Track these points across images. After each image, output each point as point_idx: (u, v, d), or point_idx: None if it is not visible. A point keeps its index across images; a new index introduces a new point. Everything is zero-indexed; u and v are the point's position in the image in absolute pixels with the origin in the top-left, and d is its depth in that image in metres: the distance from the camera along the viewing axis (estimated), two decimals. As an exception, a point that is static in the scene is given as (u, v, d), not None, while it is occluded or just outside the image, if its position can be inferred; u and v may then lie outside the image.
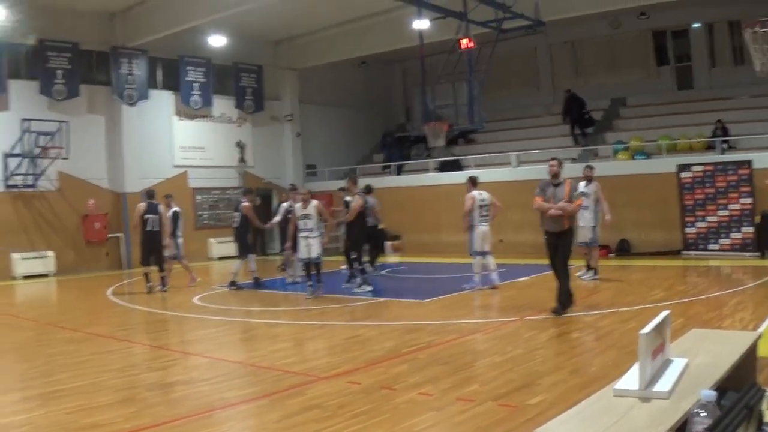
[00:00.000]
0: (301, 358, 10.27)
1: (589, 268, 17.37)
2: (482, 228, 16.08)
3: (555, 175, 12.36)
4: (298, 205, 16.29)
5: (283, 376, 8.93)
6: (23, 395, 8.58)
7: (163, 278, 18.42)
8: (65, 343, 12.07)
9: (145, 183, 26.43)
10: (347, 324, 13.08)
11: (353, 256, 17.45)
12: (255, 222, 18.87)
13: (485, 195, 16.25)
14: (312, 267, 16.16)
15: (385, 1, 21.59)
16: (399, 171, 30.80)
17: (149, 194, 18.66)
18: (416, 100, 23.82)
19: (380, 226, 20.27)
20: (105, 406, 7.86)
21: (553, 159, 12.61)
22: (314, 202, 16.00)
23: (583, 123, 27.30)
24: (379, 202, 20.18)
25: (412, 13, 22.34)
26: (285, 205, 19.37)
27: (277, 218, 19.51)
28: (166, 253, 18.62)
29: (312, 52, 31.25)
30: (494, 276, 16.23)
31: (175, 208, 19.43)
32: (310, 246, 15.93)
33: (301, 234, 15.98)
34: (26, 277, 23.53)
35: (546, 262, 12.59)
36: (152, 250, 18.29)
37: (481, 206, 16.07)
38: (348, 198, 18.31)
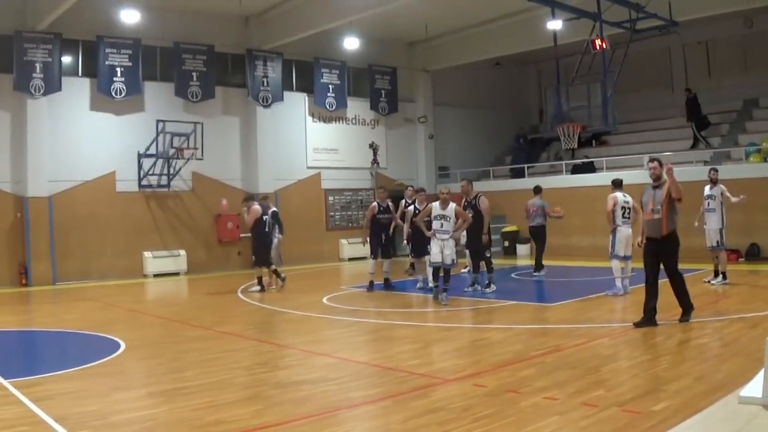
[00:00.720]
0: (426, 360, 10.30)
1: (717, 273, 16.98)
2: (625, 230, 15.74)
3: (657, 178, 12.01)
4: (436, 205, 15.38)
5: (408, 377, 8.98)
6: (149, 391, 8.83)
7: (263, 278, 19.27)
8: (194, 340, 12.39)
9: (278, 184, 27.12)
10: (475, 327, 13.11)
11: (488, 255, 17.26)
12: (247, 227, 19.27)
13: (629, 197, 15.92)
14: (442, 272, 15.42)
15: (519, 2, 21.49)
16: (526, 173, 30.54)
17: (259, 197, 19.45)
18: (550, 101, 23.66)
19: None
20: (231, 403, 8.04)
21: (653, 161, 12.21)
22: (453, 204, 15.42)
23: (700, 125, 26.70)
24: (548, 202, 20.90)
25: (546, 14, 22.22)
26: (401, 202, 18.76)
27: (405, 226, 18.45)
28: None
29: (446, 54, 31.36)
30: (626, 282, 15.90)
31: (273, 209, 19.94)
32: (444, 250, 15.20)
33: (436, 236, 15.27)
34: (157, 276, 24.21)
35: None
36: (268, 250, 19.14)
37: (623, 208, 15.72)
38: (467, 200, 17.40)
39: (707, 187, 16.94)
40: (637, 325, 11.62)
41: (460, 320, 14.09)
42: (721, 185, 16.96)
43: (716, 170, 17.40)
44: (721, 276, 16.91)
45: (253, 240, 19.07)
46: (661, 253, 11.73)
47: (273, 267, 19.20)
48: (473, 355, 10.35)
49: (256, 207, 18.72)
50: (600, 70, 21.51)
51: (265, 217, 18.76)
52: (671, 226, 11.66)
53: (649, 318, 11.66)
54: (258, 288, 18.85)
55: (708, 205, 17.07)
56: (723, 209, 16.86)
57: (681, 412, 6.85)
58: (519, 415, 7.19)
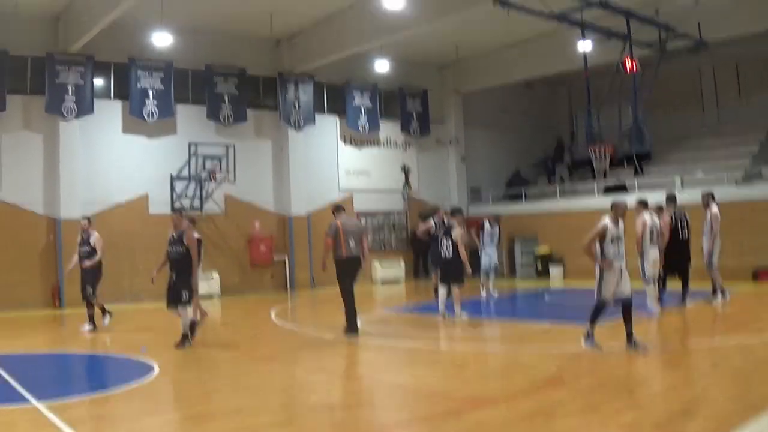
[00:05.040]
0: (460, 382, 10.23)
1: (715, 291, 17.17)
2: (653, 253, 15.57)
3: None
4: (607, 224, 11.87)
5: (441, 400, 8.96)
6: (182, 414, 8.88)
7: None
8: (227, 363, 12.40)
9: (310, 207, 27.16)
10: (508, 349, 13.03)
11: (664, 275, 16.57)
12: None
13: (656, 219, 15.81)
14: (625, 309, 11.72)
15: (549, 24, 21.49)
16: (558, 194, 30.48)
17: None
18: (580, 122, 23.63)
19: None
20: (264, 426, 8.03)
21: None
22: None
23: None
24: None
25: (576, 35, 22.20)
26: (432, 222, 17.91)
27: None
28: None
29: (476, 76, 31.38)
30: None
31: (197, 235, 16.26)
32: (624, 278, 11.80)
33: (615, 264, 11.74)
34: (190, 298, 24.15)
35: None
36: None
37: (652, 231, 15.57)
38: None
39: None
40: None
41: (493, 343, 14.05)
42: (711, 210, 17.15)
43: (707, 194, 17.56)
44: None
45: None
46: None
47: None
48: (507, 378, 10.30)
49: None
50: (630, 91, 21.45)
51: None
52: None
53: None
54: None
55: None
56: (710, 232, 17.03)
57: (716, 433, 6.78)
58: (553, 439, 7.15)
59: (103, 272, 16.90)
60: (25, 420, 8.39)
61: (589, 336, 11.69)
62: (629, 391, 8.92)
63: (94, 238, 16.63)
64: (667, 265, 16.07)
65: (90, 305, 16.51)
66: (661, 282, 16.21)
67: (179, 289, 13.42)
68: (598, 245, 11.77)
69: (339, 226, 14.82)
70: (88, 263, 16.45)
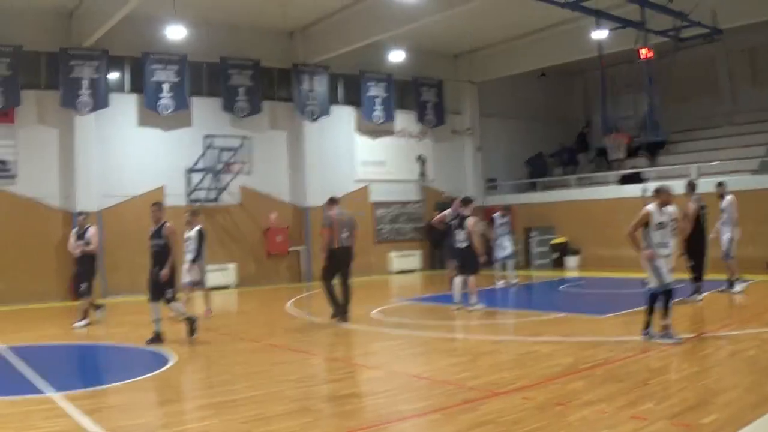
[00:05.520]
0: (475, 372, 10.21)
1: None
2: None
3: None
4: (651, 209, 11.71)
5: (457, 390, 8.97)
6: (198, 404, 8.91)
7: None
8: (244, 353, 12.50)
9: (327, 197, 27.04)
10: (523, 339, 13.02)
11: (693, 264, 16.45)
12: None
13: (671, 209, 15.70)
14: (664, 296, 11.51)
15: (563, 13, 21.38)
16: (573, 184, 30.41)
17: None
18: (597, 111, 23.56)
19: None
20: (280, 415, 8.06)
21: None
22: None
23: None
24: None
25: (591, 24, 22.08)
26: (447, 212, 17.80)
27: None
28: (187, 278, 17.05)
29: (491, 65, 31.30)
30: None
31: (199, 227, 17.44)
32: (669, 266, 11.64)
33: (659, 251, 11.51)
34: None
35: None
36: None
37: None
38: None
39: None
40: None
41: (509, 333, 14.05)
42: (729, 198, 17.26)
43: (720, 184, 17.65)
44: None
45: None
46: None
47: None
48: (522, 368, 10.28)
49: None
50: (645, 80, 21.35)
51: (187, 235, 17.20)
52: None
53: None
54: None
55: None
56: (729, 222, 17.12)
57: (730, 424, 6.81)
58: (568, 429, 7.16)
59: (96, 268, 16.87)
60: (41, 410, 8.46)
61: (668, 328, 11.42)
62: (644, 382, 8.87)
63: (90, 233, 16.45)
64: (690, 255, 15.99)
65: (83, 301, 16.38)
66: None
67: (162, 285, 13.26)
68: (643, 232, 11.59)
69: (333, 217, 15.66)
70: (83, 252, 16.25)
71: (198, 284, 17.29)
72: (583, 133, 34.09)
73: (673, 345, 11.05)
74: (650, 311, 11.50)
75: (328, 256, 15.65)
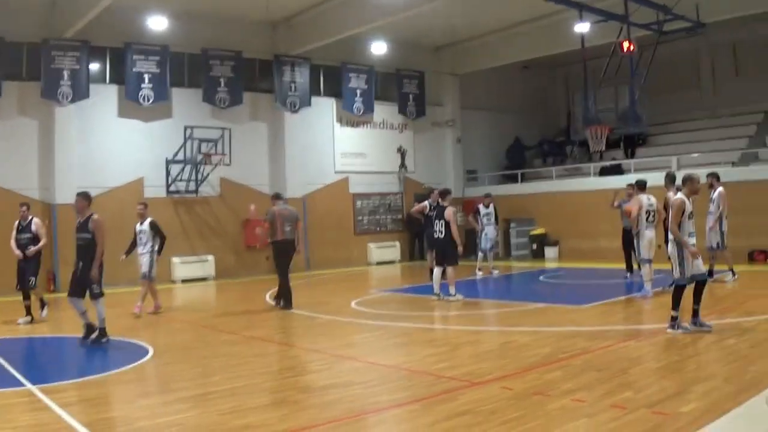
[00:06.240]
0: (454, 363, 10.20)
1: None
2: (648, 234, 15.68)
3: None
4: (684, 199, 11.49)
5: (435, 381, 8.99)
6: (176, 396, 8.81)
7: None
8: (222, 345, 12.43)
9: (306, 189, 27.23)
10: (502, 329, 13.06)
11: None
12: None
13: (653, 200, 15.84)
14: (699, 287, 11.53)
15: (547, 5, 21.37)
16: (554, 176, 30.48)
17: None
18: (578, 104, 23.59)
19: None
20: (258, 407, 8.08)
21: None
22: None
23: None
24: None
25: (574, 16, 22.09)
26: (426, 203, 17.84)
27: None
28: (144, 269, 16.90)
29: (473, 57, 31.33)
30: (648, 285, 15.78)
31: (151, 219, 17.38)
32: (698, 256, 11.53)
33: (690, 241, 11.36)
34: (185, 281, 24.26)
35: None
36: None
37: (648, 212, 15.65)
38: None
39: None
40: None
41: (487, 323, 14.08)
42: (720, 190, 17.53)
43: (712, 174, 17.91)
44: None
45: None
46: None
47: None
48: (500, 358, 10.33)
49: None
50: (628, 73, 21.42)
51: (139, 228, 17.16)
52: None
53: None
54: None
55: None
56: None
57: (709, 413, 6.84)
58: (547, 418, 7.19)
59: (42, 261, 16.47)
60: (21, 403, 8.44)
61: (676, 320, 11.40)
62: (623, 371, 8.91)
63: (35, 224, 16.01)
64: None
65: (27, 296, 15.84)
66: None
67: (86, 280, 12.61)
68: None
69: (276, 212, 16.55)
70: (32, 250, 15.75)
71: (145, 278, 16.89)
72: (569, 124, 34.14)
73: (706, 331, 11.19)
74: (678, 303, 11.38)
75: (272, 248, 16.86)
